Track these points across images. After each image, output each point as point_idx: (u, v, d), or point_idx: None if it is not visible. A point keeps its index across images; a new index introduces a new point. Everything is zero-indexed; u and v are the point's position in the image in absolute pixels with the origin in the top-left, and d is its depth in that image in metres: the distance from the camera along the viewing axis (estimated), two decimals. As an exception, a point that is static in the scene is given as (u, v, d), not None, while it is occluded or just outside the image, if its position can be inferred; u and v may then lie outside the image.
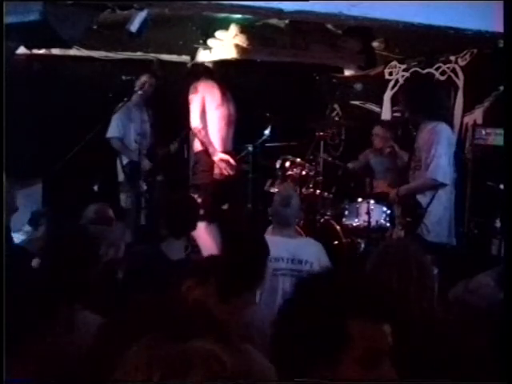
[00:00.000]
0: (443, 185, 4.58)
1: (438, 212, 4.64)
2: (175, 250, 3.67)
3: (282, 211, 3.97)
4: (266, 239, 3.50)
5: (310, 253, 3.88)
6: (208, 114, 5.71)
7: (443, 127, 4.63)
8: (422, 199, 4.68)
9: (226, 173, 5.67)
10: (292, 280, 3.76)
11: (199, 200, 5.62)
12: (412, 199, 4.75)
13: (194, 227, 4.00)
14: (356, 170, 6.39)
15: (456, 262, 4.69)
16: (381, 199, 5.43)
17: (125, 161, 6.04)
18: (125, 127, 6.10)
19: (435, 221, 4.63)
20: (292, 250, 3.82)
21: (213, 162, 5.67)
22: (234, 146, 6.03)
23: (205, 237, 5.46)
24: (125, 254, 3.63)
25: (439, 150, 4.52)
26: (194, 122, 5.67)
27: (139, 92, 6.05)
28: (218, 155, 5.67)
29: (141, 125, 6.20)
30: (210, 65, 6.52)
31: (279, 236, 3.90)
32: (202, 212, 5.62)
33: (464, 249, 5.13)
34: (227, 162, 5.68)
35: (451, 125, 4.92)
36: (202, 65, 6.51)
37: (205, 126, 5.70)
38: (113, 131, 6.05)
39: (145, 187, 5.95)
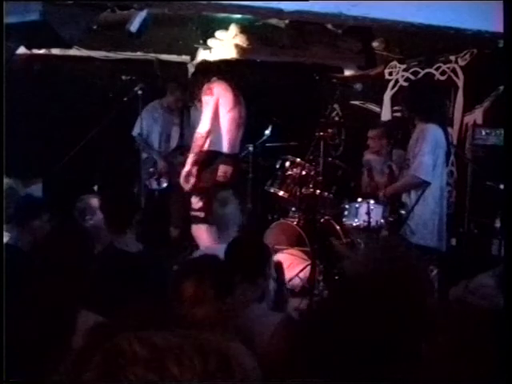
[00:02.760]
0: (426, 183, 4.57)
1: (424, 214, 4.63)
2: (130, 243, 3.64)
3: None
4: None
5: None
6: (220, 117, 5.57)
7: (433, 128, 4.64)
8: (408, 200, 4.69)
9: (227, 177, 5.60)
10: None
11: (201, 203, 5.62)
12: (397, 199, 4.77)
13: (136, 219, 3.92)
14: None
15: (456, 262, 4.69)
16: (373, 199, 5.45)
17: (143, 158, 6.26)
18: (148, 126, 6.28)
19: (420, 223, 4.62)
20: None
21: (215, 166, 5.60)
22: (242, 148, 6.02)
23: (206, 239, 5.44)
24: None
25: (424, 148, 4.54)
26: (204, 126, 5.52)
27: (139, 92, 6.06)
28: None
29: (166, 126, 6.32)
30: (221, 64, 6.38)
31: None
32: (203, 215, 5.63)
33: (464, 249, 5.14)
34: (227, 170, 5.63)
35: (445, 128, 4.93)
36: (213, 63, 6.33)
37: (212, 130, 5.56)
38: (135, 129, 6.34)
39: (155, 186, 6.03)
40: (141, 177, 6.17)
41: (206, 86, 5.53)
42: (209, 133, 5.48)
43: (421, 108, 4.70)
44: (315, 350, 1.29)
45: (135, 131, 6.34)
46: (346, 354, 1.30)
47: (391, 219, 4.85)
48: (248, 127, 6.18)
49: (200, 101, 5.60)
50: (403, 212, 4.70)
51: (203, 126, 5.48)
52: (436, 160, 4.60)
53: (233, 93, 5.60)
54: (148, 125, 6.31)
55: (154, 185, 6.14)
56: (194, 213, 5.61)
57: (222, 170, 5.56)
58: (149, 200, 6.08)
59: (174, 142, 6.47)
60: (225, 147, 5.60)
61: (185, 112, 6.51)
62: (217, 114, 5.51)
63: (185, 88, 6.30)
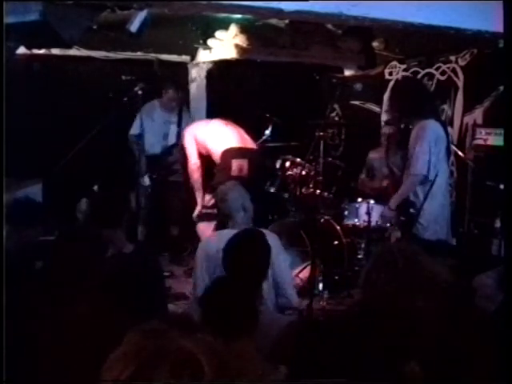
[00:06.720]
0: (427, 179, 4.58)
1: (434, 210, 4.65)
2: (119, 241, 3.61)
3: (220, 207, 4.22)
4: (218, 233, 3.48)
5: None
6: None
7: (430, 123, 4.65)
8: (416, 199, 4.69)
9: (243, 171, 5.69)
10: None
11: (213, 200, 5.69)
12: (405, 200, 4.76)
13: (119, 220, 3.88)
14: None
15: (456, 262, 4.69)
16: (373, 198, 5.46)
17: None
18: (147, 126, 6.25)
19: (431, 219, 4.64)
20: None
21: (229, 162, 5.65)
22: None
23: (208, 233, 5.51)
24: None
25: (424, 145, 4.55)
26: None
27: (139, 92, 6.07)
28: None
29: (164, 125, 6.41)
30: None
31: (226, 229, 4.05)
32: (216, 211, 5.68)
33: (464, 249, 5.13)
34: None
35: (442, 121, 4.94)
36: None
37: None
38: (133, 129, 6.35)
39: (148, 184, 6.06)
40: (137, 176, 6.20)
41: None
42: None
43: (410, 107, 4.72)
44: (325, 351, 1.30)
45: (133, 131, 6.36)
46: (356, 355, 1.30)
47: (403, 219, 4.82)
48: (248, 127, 6.19)
49: None
50: (413, 211, 4.68)
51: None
52: (438, 154, 4.60)
53: None
54: (146, 124, 6.32)
55: (147, 182, 6.17)
56: (206, 210, 5.73)
57: (236, 164, 5.66)
58: (145, 198, 6.09)
59: (171, 141, 6.51)
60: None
61: (183, 110, 6.57)
62: None
63: (177, 88, 6.38)
